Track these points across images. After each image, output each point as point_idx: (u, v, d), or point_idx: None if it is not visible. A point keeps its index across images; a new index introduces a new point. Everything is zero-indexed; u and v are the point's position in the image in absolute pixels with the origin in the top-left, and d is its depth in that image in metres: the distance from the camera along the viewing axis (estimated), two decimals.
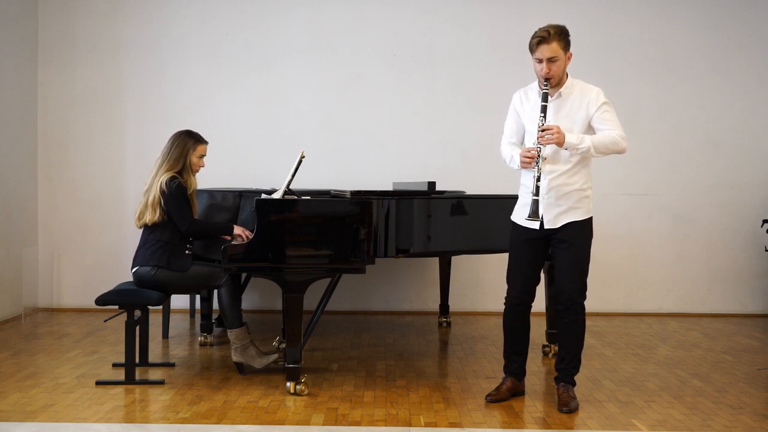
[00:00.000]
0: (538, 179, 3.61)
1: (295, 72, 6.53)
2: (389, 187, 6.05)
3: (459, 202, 4.53)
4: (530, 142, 3.79)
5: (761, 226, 6.37)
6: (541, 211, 3.70)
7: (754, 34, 6.55)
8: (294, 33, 6.53)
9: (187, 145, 4.43)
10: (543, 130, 3.60)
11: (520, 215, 3.85)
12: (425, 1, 6.54)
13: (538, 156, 3.62)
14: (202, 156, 4.50)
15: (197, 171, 4.52)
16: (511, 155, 3.84)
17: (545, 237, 3.79)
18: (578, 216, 3.74)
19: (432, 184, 5.14)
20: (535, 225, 3.74)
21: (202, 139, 4.52)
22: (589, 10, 6.50)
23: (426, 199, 4.27)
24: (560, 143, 3.59)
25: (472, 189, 5.95)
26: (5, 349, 5.00)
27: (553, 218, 3.74)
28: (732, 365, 4.78)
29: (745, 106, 6.56)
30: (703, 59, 6.56)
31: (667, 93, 6.55)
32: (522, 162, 3.69)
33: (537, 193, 3.61)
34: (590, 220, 3.80)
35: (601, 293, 6.43)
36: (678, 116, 6.56)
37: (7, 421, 3.53)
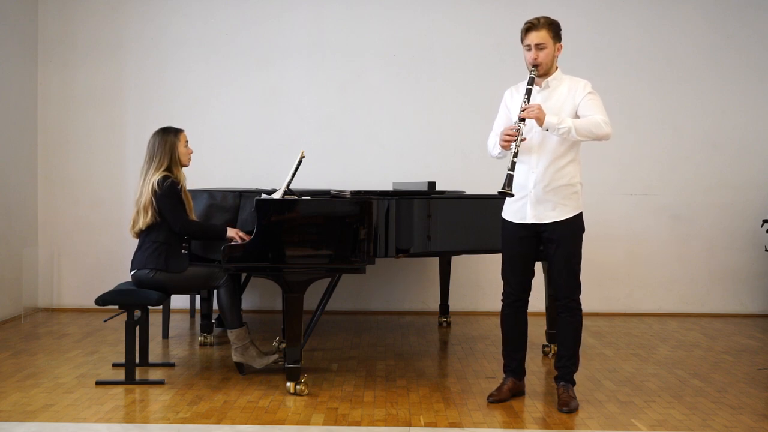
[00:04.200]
0: (515, 155, 3.61)
1: (295, 72, 6.52)
2: (389, 187, 6.04)
3: (459, 202, 4.53)
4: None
5: (761, 226, 6.37)
6: (528, 207, 3.74)
7: (754, 34, 6.55)
8: (294, 33, 6.52)
9: (169, 138, 4.41)
10: (524, 110, 3.62)
11: (508, 211, 3.88)
12: (425, 1, 6.53)
13: (518, 134, 3.62)
14: (186, 142, 4.49)
15: (188, 159, 4.49)
16: (495, 141, 3.86)
17: (536, 233, 3.82)
18: (566, 213, 3.76)
19: (432, 184, 5.14)
20: (510, 202, 3.75)
21: (179, 128, 4.50)
22: (589, 10, 6.50)
23: (426, 199, 4.27)
24: (540, 118, 3.60)
25: (472, 189, 5.94)
26: (5, 349, 5.00)
27: (541, 213, 3.76)
28: (732, 365, 4.77)
29: (745, 106, 6.56)
30: (703, 59, 6.55)
31: (667, 93, 6.55)
32: (502, 139, 3.68)
33: (512, 168, 3.59)
34: (580, 216, 3.82)
35: (601, 293, 6.43)
36: (678, 116, 6.56)
37: (7, 421, 3.53)
